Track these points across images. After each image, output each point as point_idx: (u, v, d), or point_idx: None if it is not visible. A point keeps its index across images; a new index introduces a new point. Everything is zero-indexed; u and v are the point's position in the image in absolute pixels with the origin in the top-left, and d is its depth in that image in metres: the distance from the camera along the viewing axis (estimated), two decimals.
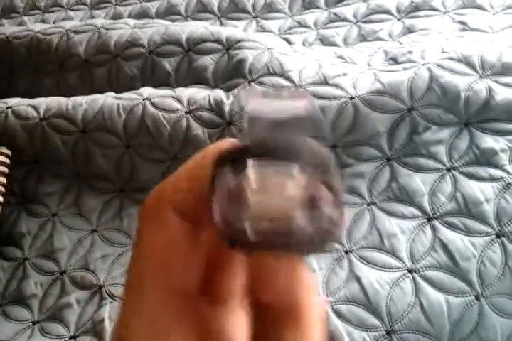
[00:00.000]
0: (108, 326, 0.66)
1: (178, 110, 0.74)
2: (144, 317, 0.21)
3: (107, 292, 0.70)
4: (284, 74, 0.71)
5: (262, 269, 0.21)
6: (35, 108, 0.79)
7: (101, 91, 0.84)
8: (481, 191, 0.65)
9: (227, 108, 0.71)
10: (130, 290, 0.22)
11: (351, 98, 0.67)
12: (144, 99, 0.76)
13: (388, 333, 0.60)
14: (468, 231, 0.63)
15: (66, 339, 0.67)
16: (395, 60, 0.73)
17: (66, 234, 0.77)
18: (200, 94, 0.75)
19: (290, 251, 0.20)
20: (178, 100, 0.75)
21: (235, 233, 0.20)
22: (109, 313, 0.67)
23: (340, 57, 0.78)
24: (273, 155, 0.20)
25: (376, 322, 0.60)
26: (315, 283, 0.24)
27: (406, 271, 0.63)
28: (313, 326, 0.21)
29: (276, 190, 0.19)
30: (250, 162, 0.19)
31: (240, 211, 0.20)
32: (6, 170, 0.78)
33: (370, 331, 0.60)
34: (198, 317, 0.21)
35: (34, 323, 0.70)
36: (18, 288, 0.74)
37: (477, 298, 0.60)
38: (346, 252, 0.66)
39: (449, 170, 0.67)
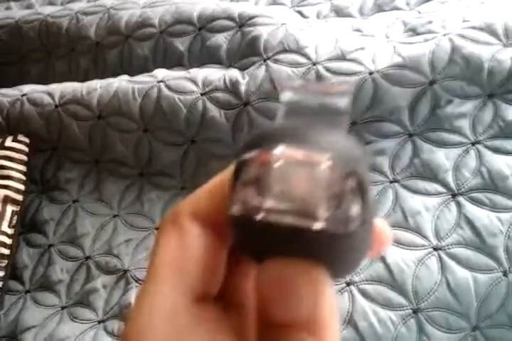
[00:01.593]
0: None
1: (193, 92, 0.72)
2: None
3: (132, 276, 0.70)
4: (300, 51, 0.69)
5: (277, 285, 0.19)
6: (50, 94, 0.79)
7: (114, 74, 0.83)
8: (507, 165, 0.63)
9: (243, 88, 0.70)
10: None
11: (370, 73, 0.65)
12: (158, 82, 0.75)
13: (415, 312, 0.59)
14: (494, 207, 0.62)
15: (95, 323, 0.68)
16: (414, 31, 0.71)
17: (88, 219, 0.77)
18: (215, 74, 0.74)
19: (309, 254, 0.18)
20: (193, 81, 0.73)
21: (252, 225, 0.18)
22: (135, 297, 0.68)
23: (358, 30, 0.76)
24: (304, 145, 0.18)
25: (402, 301, 0.60)
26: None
27: (431, 249, 0.62)
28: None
29: (302, 180, 0.18)
30: (279, 147, 0.18)
31: (260, 199, 0.18)
32: (25, 158, 0.78)
33: (397, 310, 0.60)
34: (208, 318, 0.21)
35: (63, 308, 0.71)
36: (44, 274, 0.75)
37: (505, 274, 0.59)
38: None
39: (473, 144, 0.66)
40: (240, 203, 0.18)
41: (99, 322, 0.68)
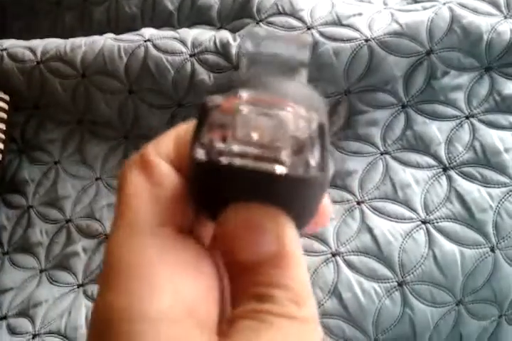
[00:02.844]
0: None
1: (182, 53, 0.70)
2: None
3: None
4: (294, 14, 0.67)
5: (243, 228, 0.19)
6: (32, 50, 0.75)
7: (100, 33, 0.79)
8: (500, 140, 0.62)
9: (233, 50, 0.67)
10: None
11: (366, 40, 0.63)
12: (145, 41, 0.72)
13: (400, 284, 0.59)
14: (485, 182, 0.61)
15: (74, 287, 0.67)
16: None
17: (70, 182, 0.75)
18: (205, 35, 0.71)
19: (271, 198, 0.19)
20: (182, 42, 0.70)
21: (216, 170, 0.18)
22: None
23: None
24: (268, 92, 0.19)
25: (388, 273, 0.59)
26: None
27: (419, 222, 0.61)
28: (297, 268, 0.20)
29: (266, 125, 0.18)
30: (244, 93, 0.18)
31: (225, 144, 0.18)
32: (4, 116, 0.75)
33: (382, 282, 0.59)
34: (192, 247, 0.21)
35: (41, 271, 0.70)
36: (23, 236, 0.73)
37: (492, 249, 0.59)
38: (358, 203, 0.64)
39: (467, 117, 0.65)
40: (204, 148, 0.18)
41: (79, 286, 0.67)
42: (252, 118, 0.18)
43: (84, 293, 0.66)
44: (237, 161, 0.18)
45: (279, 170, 0.18)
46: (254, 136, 0.18)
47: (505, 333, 0.62)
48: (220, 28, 0.75)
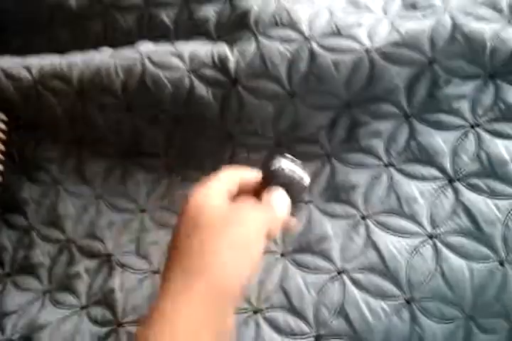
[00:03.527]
0: (119, 297, 0.65)
1: (179, 68, 0.68)
2: None
3: (115, 261, 0.68)
4: (293, 26, 0.65)
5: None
6: (28, 69, 0.74)
7: (96, 46, 0.78)
8: (506, 150, 0.60)
9: (232, 65, 0.66)
10: None
11: (367, 51, 0.61)
12: (142, 57, 0.70)
13: (408, 302, 0.57)
14: (492, 194, 0.59)
15: (77, 309, 0.66)
16: (413, 6, 0.67)
17: (70, 200, 0.74)
18: (202, 49, 0.70)
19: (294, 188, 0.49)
20: (180, 57, 0.69)
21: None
22: (119, 284, 0.66)
23: (353, 3, 0.71)
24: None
25: (395, 290, 0.58)
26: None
27: (426, 237, 0.60)
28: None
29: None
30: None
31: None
32: (2, 136, 0.74)
33: (389, 300, 0.58)
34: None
35: (44, 293, 0.69)
36: (25, 257, 0.72)
37: (501, 263, 0.57)
38: (363, 218, 0.63)
39: (472, 127, 0.63)
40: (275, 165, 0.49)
41: (82, 308, 0.66)
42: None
43: (88, 315, 0.65)
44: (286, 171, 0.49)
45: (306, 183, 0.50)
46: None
47: None
48: (218, 38, 0.74)
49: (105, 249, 0.69)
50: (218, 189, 0.45)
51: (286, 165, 0.49)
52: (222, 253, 0.40)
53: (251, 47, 0.66)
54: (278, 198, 0.47)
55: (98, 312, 0.65)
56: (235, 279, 0.40)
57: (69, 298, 0.67)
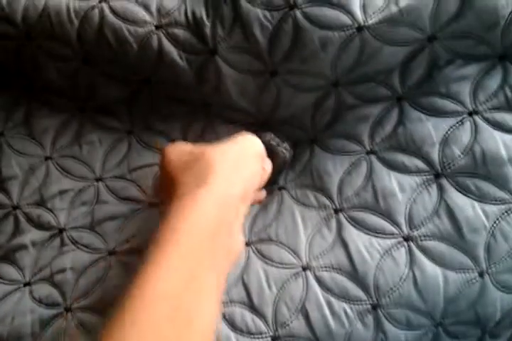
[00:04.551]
0: (70, 278, 0.60)
1: (146, 23, 0.58)
2: None
3: (68, 237, 0.62)
4: None
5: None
6: None
7: None
8: (505, 146, 0.53)
9: (208, 31, 0.56)
10: None
11: (359, 29, 0.52)
12: (100, 1, 0.60)
13: (374, 307, 0.53)
14: (481, 197, 0.53)
15: (20, 285, 0.61)
16: None
17: (15, 159, 0.67)
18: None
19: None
20: (146, 7, 0.59)
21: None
22: (71, 263, 0.60)
23: None
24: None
25: (361, 294, 0.53)
26: None
27: (401, 239, 0.54)
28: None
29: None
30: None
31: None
32: None
33: (353, 303, 0.53)
34: None
35: None
36: None
37: (481, 275, 0.52)
38: (336, 211, 0.57)
39: (470, 114, 0.55)
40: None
41: (25, 284, 0.61)
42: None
43: (31, 293, 0.60)
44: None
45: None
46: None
47: None
48: None
49: (56, 222, 0.63)
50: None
51: (274, 139, 0.55)
52: (224, 164, 0.44)
53: (228, 9, 0.56)
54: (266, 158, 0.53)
55: (44, 291, 0.60)
56: (239, 182, 0.44)
57: (12, 272, 0.62)
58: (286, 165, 0.59)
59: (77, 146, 0.67)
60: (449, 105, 0.55)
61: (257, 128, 0.62)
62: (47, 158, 0.67)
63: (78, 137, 0.67)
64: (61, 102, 0.68)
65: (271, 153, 0.54)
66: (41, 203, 0.65)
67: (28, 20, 0.62)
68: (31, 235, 0.63)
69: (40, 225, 0.64)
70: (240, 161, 0.45)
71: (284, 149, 0.56)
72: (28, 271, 0.62)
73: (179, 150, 0.47)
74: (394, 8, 0.51)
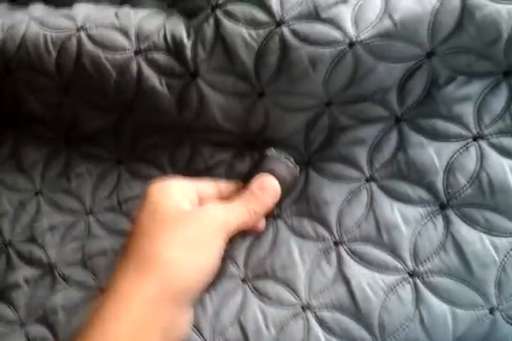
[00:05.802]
0: (62, 319, 0.58)
1: (124, 49, 0.55)
2: None
3: (60, 274, 0.60)
4: (259, 2, 0.51)
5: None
6: None
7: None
8: None
9: (189, 53, 0.52)
10: None
11: (351, 44, 0.48)
12: (78, 30, 0.56)
13: None
14: (490, 229, 0.49)
15: (16, 327, 0.59)
16: None
17: (5, 195, 0.65)
18: (152, 23, 0.55)
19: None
20: (124, 33, 0.55)
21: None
22: (63, 302, 0.58)
23: None
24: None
25: (365, 335, 0.50)
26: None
27: (406, 275, 0.51)
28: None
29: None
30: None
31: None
32: None
33: None
34: None
35: None
36: None
37: (491, 312, 0.49)
38: (335, 243, 0.54)
39: (475, 139, 0.51)
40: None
41: (21, 325, 0.59)
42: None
43: (27, 336, 0.58)
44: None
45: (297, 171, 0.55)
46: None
47: None
48: (170, 6, 0.59)
49: (47, 258, 0.61)
50: (179, 186, 0.47)
51: (279, 154, 0.54)
52: (172, 247, 0.41)
53: (210, 29, 0.52)
54: (269, 182, 0.51)
55: (38, 333, 0.58)
56: (186, 275, 0.41)
57: (7, 312, 0.60)
58: (296, 180, 0.56)
59: (66, 179, 0.64)
60: (452, 128, 0.51)
61: (246, 149, 0.59)
62: (37, 193, 0.64)
63: (66, 169, 0.64)
64: (47, 134, 0.65)
65: (279, 169, 0.53)
66: (32, 239, 0.62)
67: (6, 53, 0.59)
68: (24, 272, 0.61)
69: (31, 262, 0.61)
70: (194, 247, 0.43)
71: (292, 164, 0.54)
72: (22, 310, 0.60)
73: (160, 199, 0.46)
74: (388, 22, 0.47)
